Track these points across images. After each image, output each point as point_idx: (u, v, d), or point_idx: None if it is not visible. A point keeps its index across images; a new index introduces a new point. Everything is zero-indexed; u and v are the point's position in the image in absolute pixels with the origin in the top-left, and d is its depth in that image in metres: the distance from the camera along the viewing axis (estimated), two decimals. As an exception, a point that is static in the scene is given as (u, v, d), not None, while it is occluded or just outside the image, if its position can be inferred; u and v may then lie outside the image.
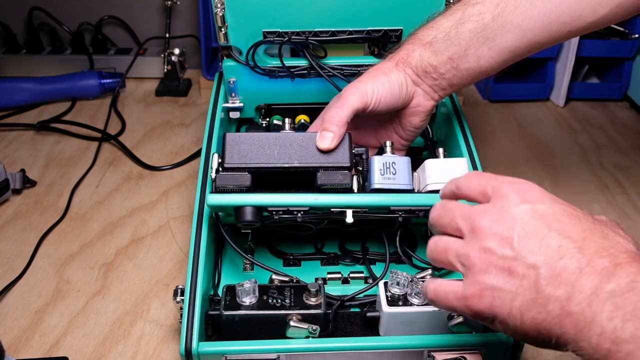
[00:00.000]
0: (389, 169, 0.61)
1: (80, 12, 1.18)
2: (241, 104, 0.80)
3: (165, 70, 1.14)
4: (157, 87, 1.15)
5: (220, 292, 0.60)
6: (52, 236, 0.80)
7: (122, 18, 1.19)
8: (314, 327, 0.55)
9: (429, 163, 0.62)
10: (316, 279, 0.65)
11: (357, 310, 0.63)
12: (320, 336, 0.56)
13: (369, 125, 0.69)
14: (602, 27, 0.60)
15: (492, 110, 1.11)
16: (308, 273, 0.67)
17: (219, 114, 0.76)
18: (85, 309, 0.70)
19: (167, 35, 1.14)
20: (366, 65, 0.73)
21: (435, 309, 0.55)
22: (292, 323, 0.55)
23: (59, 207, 0.85)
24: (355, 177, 0.60)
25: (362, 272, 0.67)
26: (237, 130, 0.85)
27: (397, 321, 0.57)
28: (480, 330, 0.56)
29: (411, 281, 0.57)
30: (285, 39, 0.72)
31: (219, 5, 0.69)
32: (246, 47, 0.74)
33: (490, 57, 0.61)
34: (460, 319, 0.55)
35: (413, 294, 0.57)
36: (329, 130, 0.59)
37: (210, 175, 0.61)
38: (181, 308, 0.57)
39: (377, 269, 0.68)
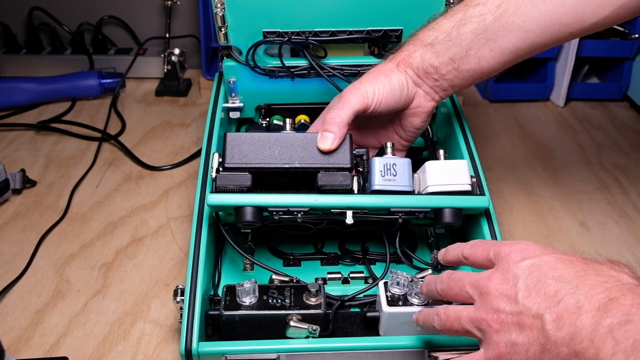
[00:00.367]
0: (389, 170, 0.61)
1: (80, 12, 1.18)
2: (241, 104, 0.80)
3: (165, 70, 1.14)
4: (157, 87, 1.15)
5: (220, 292, 0.60)
6: (52, 236, 0.80)
7: (122, 18, 1.19)
8: (314, 327, 0.55)
9: (429, 165, 0.62)
10: (316, 279, 0.65)
11: (357, 310, 0.63)
12: (320, 336, 0.56)
13: (370, 125, 0.69)
14: (604, 28, 0.60)
15: (492, 110, 1.11)
16: (308, 273, 0.67)
17: (219, 114, 0.76)
18: (85, 309, 0.70)
19: (167, 35, 1.14)
20: (366, 65, 0.74)
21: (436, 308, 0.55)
22: (292, 323, 0.55)
23: (59, 207, 0.85)
24: (355, 178, 0.60)
25: (362, 272, 0.67)
26: (237, 130, 0.85)
27: (397, 321, 0.57)
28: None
29: (411, 281, 0.57)
30: (285, 39, 0.72)
31: (219, 5, 0.69)
32: (246, 47, 0.74)
33: (491, 58, 0.61)
34: None
35: (413, 294, 0.57)
36: (329, 131, 0.59)
37: (211, 175, 0.61)
38: (181, 308, 0.57)
39: (377, 269, 0.68)
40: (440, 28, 0.62)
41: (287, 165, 0.60)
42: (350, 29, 0.73)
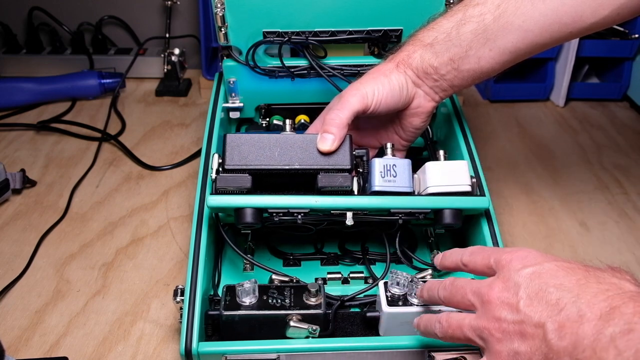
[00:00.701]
0: (389, 171, 0.61)
1: (80, 12, 1.18)
2: (241, 104, 0.80)
3: (165, 70, 1.14)
4: (157, 87, 1.15)
5: (220, 292, 0.60)
6: (52, 236, 0.80)
7: (122, 18, 1.19)
8: (314, 327, 0.55)
9: (429, 165, 0.62)
10: (316, 279, 0.65)
11: (357, 310, 0.63)
12: (320, 336, 0.56)
13: (370, 125, 0.69)
14: (604, 28, 0.60)
15: (492, 110, 1.11)
16: (308, 273, 0.67)
17: (219, 114, 0.76)
18: (85, 309, 0.70)
19: (167, 35, 1.14)
20: (366, 65, 0.74)
21: (436, 308, 0.55)
22: (292, 323, 0.55)
23: (59, 207, 0.85)
24: (355, 179, 0.60)
25: (362, 272, 0.67)
26: (237, 130, 0.85)
27: (397, 321, 0.57)
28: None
29: (411, 281, 0.57)
30: (285, 39, 0.72)
31: (219, 5, 0.69)
32: (246, 47, 0.74)
33: (491, 58, 0.61)
34: None
35: (413, 294, 0.57)
36: (329, 133, 0.59)
37: (211, 176, 0.60)
38: (181, 308, 0.58)
39: (377, 269, 0.68)
40: (440, 28, 0.62)
41: (287, 167, 0.60)
42: (350, 29, 0.73)
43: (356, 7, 0.71)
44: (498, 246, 0.63)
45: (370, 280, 0.66)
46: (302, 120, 0.81)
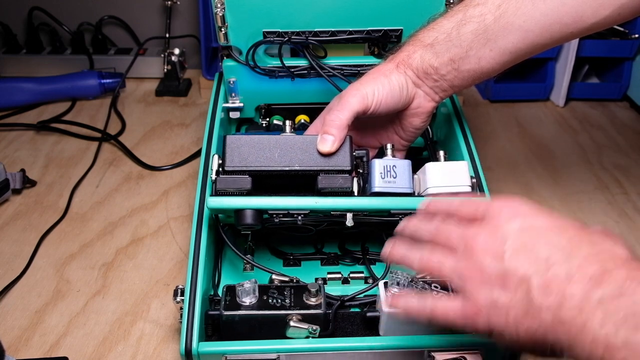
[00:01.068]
0: (389, 172, 0.61)
1: (80, 12, 1.18)
2: (241, 104, 0.80)
3: (165, 70, 1.14)
4: (157, 87, 1.15)
5: (220, 292, 0.60)
6: (52, 236, 0.80)
7: (122, 18, 1.19)
8: (314, 327, 0.55)
9: (429, 166, 0.62)
10: (316, 279, 0.65)
11: (357, 310, 0.63)
12: (320, 336, 0.56)
13: (369, 125, 0.69)
14: (605, 28, 0.60)
15: (492, 110, 1.11)
16: (308, 273, 0.67)
17: (219, 114, 0.76)
18: (85, 309, 0.70)
19: (167, 35, 1.14)
20: (366, 65, 0.74)
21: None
22: (292, 323, 0.55)
23: (59, 207, 0.85)
24: (355, 180, 0.60)
25: (362, 272, 0.67)
26: (237, 130, 0.85)
27: (397, 321, 0.57)
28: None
29: (411, 281, 0.57)
30: (285, 39, 0.72)
31: (219, 5, 0.69)
32: (246, 47, 0.74)
33: (491, 59, 0.61)
34: None
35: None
36: (329, 134, 0.59)
37: (211, 177, 0.60)
38: (181, 308, 0.57)
39: (377, 269, 0.68)
40: (440, 28, 0.62)
41: (287, 168, 0.59)
42: (350, 29, 0.73)
43: (356, 7, 0.71)
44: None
45: (370, 280, 0.66)
46: (302, 120, 0.81)
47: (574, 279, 0.38)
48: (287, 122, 0.70)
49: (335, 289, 0.65)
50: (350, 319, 0.61)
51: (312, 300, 0.57)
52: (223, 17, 0.71)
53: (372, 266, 0.68)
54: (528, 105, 1.12)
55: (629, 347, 0.35)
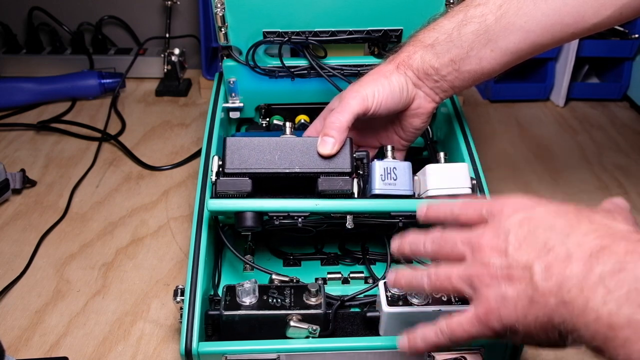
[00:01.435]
0: (389, 174, 0.61)
1: (80, 12, 1.18)
2: (241, 104, 0.80)
3: (165, 70, 1.14)
4: (157, 87, 1.15)
5: (220, 292, 0.60)
6: (52, 236, 0.80)
7: (122, 18, 1.19)
8: (314, 327, 0.55)
9: (429, 168, 0.62)
10: (316, 279, 0.65)
11: (357, 310, 0.63)
12: (320, 336, 0.56)
13: (370, 126, 0.69)
14: (606, 29, 0.60)
15: (492, 110, 1.11)
16: (308, 273, 0.67)
17: (219, 114, 0.76)
18: (85, 309, 0.70)
19: (167, 35, 1.14)
20: (366, 65, 0.74)
21: (436, 308, 0.55)
22: (292, 323, 0.55)
23: (59, 207, 0.85)
24: (355, 181, 0.60)
25: (362, 272, 0.67)
26: (237, 130, 0.85)
27: (397, 321, 0.57)
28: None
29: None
30: (285, 39, 0.72)
31: (219, 5, 0.69)
32: (246, 47, 0.74)
33: (492, 59, 0.61)
34: None
35: (413, 294, 0.57)
36: (329, 136, 0.59)
37: (211, 178, 0.60)
38: (181, 308, 0.57)
39: (377, 269, 0.68)
40: (441, 29, 0.62)
41: (287, 170, 0.59)
42: (350, 29, 0.73)
43: (356, 7, 0.71)
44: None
45: (371, 280, 0.66)
46: (302, 120, 0.81)
47: (573, 257, 0.38)
48: (287, 124, 0.70)
49: (335, 289, 0.65)
50: (350, 319, 0.61)
51: (312, 300, 0.57)
52: (223, 17, 0.71)
53: (372, 266, 0.68)
54: (528, 105, 1.12)
55: (632, 325, 0.34)
